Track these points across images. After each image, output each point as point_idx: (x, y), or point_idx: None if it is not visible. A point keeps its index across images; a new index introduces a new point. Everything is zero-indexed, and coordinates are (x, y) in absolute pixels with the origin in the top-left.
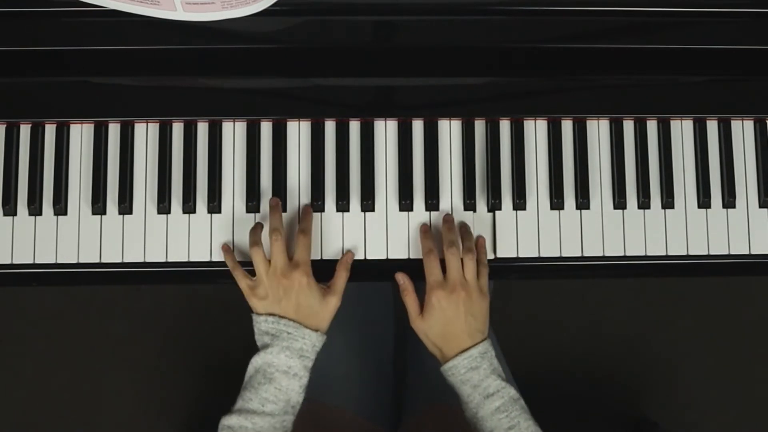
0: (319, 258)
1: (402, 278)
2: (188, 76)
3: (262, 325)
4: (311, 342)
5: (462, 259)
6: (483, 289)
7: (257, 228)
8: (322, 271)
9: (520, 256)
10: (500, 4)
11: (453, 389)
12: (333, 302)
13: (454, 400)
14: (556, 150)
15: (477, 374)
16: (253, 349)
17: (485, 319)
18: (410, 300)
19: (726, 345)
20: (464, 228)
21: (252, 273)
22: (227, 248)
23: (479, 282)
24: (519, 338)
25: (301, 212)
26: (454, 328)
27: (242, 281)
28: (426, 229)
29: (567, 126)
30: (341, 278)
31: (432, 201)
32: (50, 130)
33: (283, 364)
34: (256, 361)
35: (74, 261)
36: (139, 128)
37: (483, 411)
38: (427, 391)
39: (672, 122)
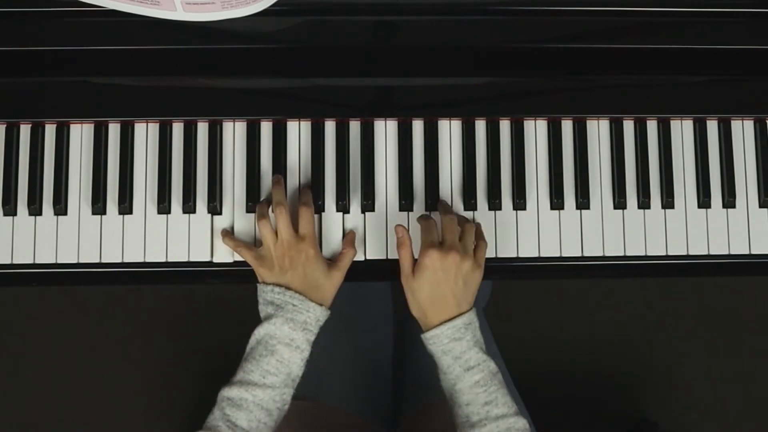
0: None
1: (401, 231)
2: (188, 76)
3: (267, 294)
4: (315, 315)
5: (463, 228)
6: (479, 260)
7: (264, 203)
8: None
9: (520, 256)
10: (500, 4)
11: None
12: (338, 277)
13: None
14: (556, 150)
15: (460, 345)
16: None
17: (475, 290)
18: (406, 254)
19: (726, 345)
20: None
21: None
22: (225, 231)
23: (477, 254)
24: (519, 338)
25: (301, 189)
26: (443, 291)
27: (248, 254)
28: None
29: (567, 126)
30: (347, 255)
31: (432, 201)
32: (50, 130)
33: (286, 336)
34: (259, 332)
35: (74, 261)
36: (139, 128)
37: (462, 383)
38: (424, 392)
39: (672, 122)
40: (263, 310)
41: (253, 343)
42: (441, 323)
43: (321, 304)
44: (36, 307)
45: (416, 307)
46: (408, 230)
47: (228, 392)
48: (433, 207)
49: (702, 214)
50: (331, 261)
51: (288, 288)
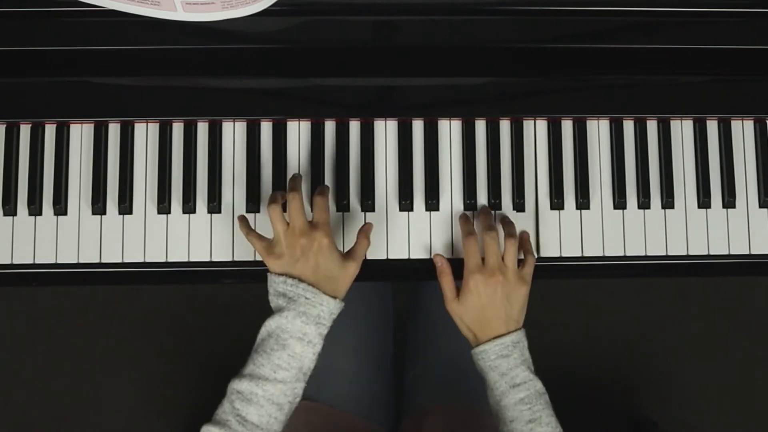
0: None
1: (440, 260)
2: (188, 76)
3: (279, 286)
4: (329, 309)
5: (505, 244)
6: (525, 277)
7: (277, 192)
8: None
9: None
10: (500, 4)
11: (479, 374)
12: (352, 268)
13: (451, 399)
14: (556, 150)
15: (506, 362)
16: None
17: (522, 307)
18: (447, 281)
19: (726, 345)
20: (506, 218)
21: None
22: (242, 217)
23: (523, 270)
24: None
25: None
26: (489, 313)
27: (257, 243)
28: (465, 215)
29: (567, 126)
30: (362, 245)
31: (432, 201)
32: (50, 130)
33: (298, 330)
34: (270, 324)
35: (74, 261)
36: (139, 128)
37: (507, 400)
38: (425, 391)
39: (672, 122)
40: (273, 301)
41: (264, 335)
42: (489, 340)
43: (335, 297)
44: (36, 307)
45: (465, 329)
46: (407, 232)
47: (238, 385)
48: (432, 207)
49: (702, 214)
50: (344, 253)
51: (300, 280)
